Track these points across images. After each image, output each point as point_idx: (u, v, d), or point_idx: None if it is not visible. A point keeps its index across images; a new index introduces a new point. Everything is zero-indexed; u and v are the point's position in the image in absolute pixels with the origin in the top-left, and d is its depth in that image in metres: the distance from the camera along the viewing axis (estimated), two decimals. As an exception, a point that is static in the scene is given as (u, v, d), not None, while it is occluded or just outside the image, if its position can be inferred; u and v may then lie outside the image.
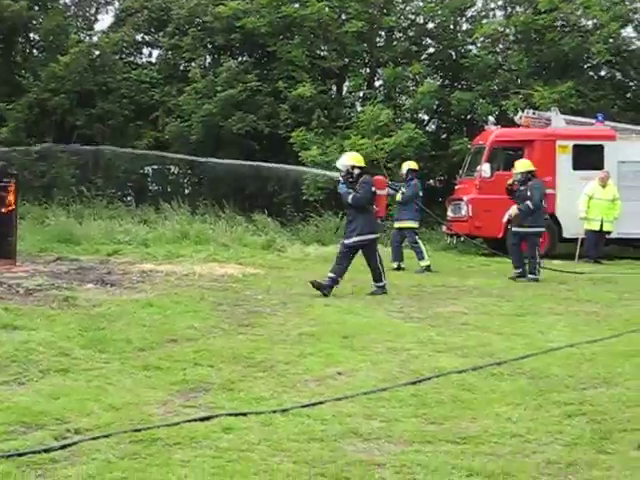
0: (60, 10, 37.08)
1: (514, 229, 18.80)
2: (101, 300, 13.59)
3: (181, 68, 35.69)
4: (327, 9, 32.22)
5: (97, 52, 35.16)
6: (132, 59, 37.46)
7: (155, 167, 34.63)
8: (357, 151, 28.06)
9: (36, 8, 36.67)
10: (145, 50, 37.85)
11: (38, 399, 7.65)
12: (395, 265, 19.79)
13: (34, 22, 36.76)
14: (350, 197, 15.48)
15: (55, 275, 17.12)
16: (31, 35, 37.94)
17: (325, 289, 15.13)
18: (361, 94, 34.24)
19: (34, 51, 38.42)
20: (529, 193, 18.13)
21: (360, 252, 15.85)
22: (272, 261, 21.08)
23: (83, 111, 34.24)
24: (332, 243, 25.44)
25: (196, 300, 13.88)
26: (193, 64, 34.57)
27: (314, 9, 31.23)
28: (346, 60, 33.44)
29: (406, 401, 7.95)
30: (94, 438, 6.62)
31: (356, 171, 15.65)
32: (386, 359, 9.79)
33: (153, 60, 37.21)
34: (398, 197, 20.25)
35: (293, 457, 6.33)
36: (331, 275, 15.42)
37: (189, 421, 7.11)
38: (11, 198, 20.01)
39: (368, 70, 34.74)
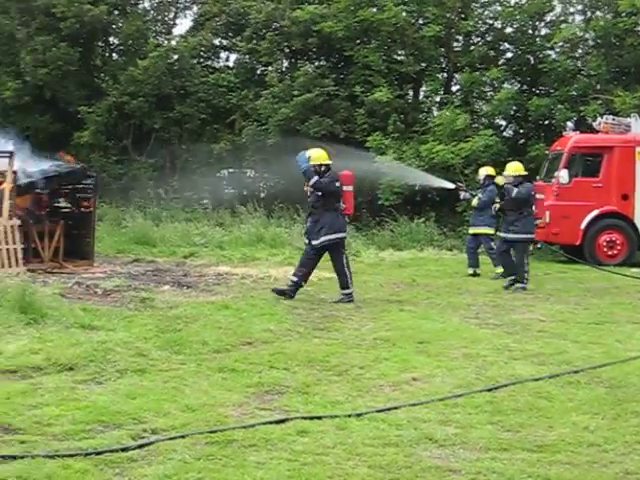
0: (139, 14, 37.44)
1: (502, 235, 18.05)
2: (177, 302, 13.75)
3: (258, 72, 35.77)
4: (404, 13, 32.07)
5: (175, 56, 35.39)
6: (210, 63, 37.62)
7: (231, 170, 34.80)
8: (432, 157, 28.11)
9: (116, 12, 37.05)
10: (223, 54, 38.02)
11: (115, 399, 7.76)
12: (471, 271, 19.62)
13: (114, 26, 37.16)
14: (314, 179, 14.90)
15: (132, 276, 17.35)
16: (111, 39, 38.39)
17: (288, 293, 14.83)
18: (438, 99, 33.99)
19: (113, 55, 38.85)
20: (513, 195, 17.49)
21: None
22: (347, 265, 21.06)
23: (161, 114, 34.53)
24: (407, 248, 25.38)
25: (272, 303, 13.96)
26: (270, 68, 34.66)
27: (391, 13, 31.09)
28: (423, 65, 33.18)
29: (482, 408, 7.91)
30: (171, 438, 6.70)
31: (323, 168, 15.09)
32: (461, 365, 9.74)
33: (230, 64, 37.33)
34: (474, 203, 20.07)
35: (368, 461, 6.33)
36: (294, 279, 15.04)
37: (264, 423, 7.16)
38: (91, 200, 20.34)
39: (445, 75, 34.48)
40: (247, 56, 35.70)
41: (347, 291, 15.00)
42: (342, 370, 9.31)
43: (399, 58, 33.30)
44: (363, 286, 16.94)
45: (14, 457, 6.11)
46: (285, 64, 35.75)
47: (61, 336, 10.36)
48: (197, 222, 27.90)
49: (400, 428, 7.19)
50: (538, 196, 17.87)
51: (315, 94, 31.24)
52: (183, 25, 39.02)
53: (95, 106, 33.96)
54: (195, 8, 38.02)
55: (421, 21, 32.89)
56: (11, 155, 18.14)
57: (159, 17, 38.79)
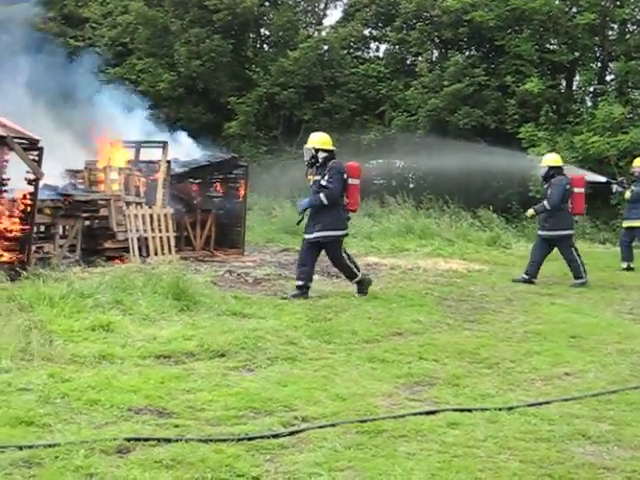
0: (290, 6, 37.89)
1: (539, 232, 16.71)
2: (327, 291, 13.83)
3: (408, 62, 35.79)
4: (557, 1, 31.58)
5: (326, 47, 35.70)
6: (360, 54, 37.82)
7: (380, 161, 34.85)
8: (587, 149, 27.53)
9: (267, 4, 37.61)
10: (372, 44, 38.20)
11: (267, 386, 7.83)
12: (625, 265, 19.13)
13: (265, 18, 37.69)
14: (323, 197, 13.34)
15: (282, 265, 17.51)
16: (262, 31, 38.91)
17: (297, 297, 13.08)
18: (591, 89, 33.31)
19: (264, 46, 39.37)
20: (549, 192, 16.36)
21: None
22: (497, 257, 20.86)
23: (311, 105, 34.86)
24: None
25: (421, 294, 13.91)
26: (420, 58, 34.65)
27: (544, 1, 30.61)
28: (576, 54, 32.60)
29: (637, 405, 7.69)
30: (321, 426, 6.71)
31: (321, 154, 13.51)
32: (615, 361, 9.51)
33: (380, 54, 37.47)
34: (627, 195, 19.59)
35: (519, 456, 6.23)
36: (299, 283, 13.40)
37: (415, 414, 7.11)
38: (241, 189, 20.64)
39: (599, 64, 33.78)
40: (397, 46, 35.78)
41: (359, 279, 13.69)
42: (492, 363, 9.19)
43: (551, 47, 32.77)
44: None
45: (169, 440, 6.22)
46: (435, 54, 35.69)
47: (213, 323, 10.53)
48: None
49: (552, 423, 7.05)
50: (576, 190, 16.69)
51: (465, 84, 31.09)
52: (333, 16, 39.32)
53: (245, 97, 34.49)
54: (345, -1, 38.23)
55: (574, 9, 32.24)
56: (164, 145, 18.53)
57: (309, 8, 39.19)
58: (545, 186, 16.77)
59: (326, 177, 13.38)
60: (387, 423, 6.83)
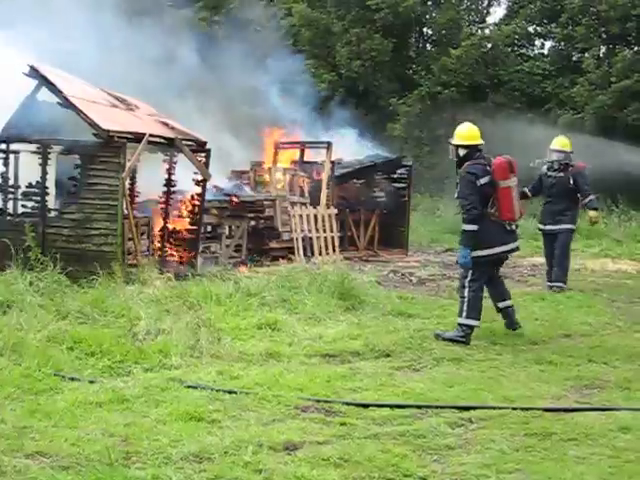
0: (453, 4, 37.60)
1: (565, 227, 14.65)
2: (491, 292, 13.64)
3: (574, 59, 35.09)
4: None
5: (489, 45, 35.36)
6: (524, 51, 37.29)
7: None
8: None
9: (429, 3, 37.47)
10: (537, 42, 37.58)
11: (433, 386, 7.82)
12: None
13: (427, 16, 37.54)
14: (464, 225, 10.26)
15: (446, 266, 17.41)
16: (424, 30, 38.75)
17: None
18: None
19: (427, 45, 39.21)
20: (572, 181, 14.46)
21: None
22: (669, 259, 20.27)
23: (473, 105, 34.53)
24: None
25: (589, 296, 13.63)
26: (586, 54, 33.89)
27: None
28: None
29: None
30: (488, 428, 6.65)
31: (461, 151, 10.72)
32: None
33: (545, 51, 36.87)
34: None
35: (693, 464, 6.03)
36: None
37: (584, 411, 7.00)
38: (404, 189, 20.66)
39: None
40: (562, 43, 35.11)
41: (463, 321, 10.01)
42: (665, 367, 8.95)
43: None
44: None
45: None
46: (602, 50, 34.82)
47: (378, 323, 10.58)
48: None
49: None
50: None
51: (634, 80, 30.22)
52: (497, 13, 38.81)
53: (407, 97, 34.43)
54: (509, -5, 37.80)
55: None
56: (329, 146, 18.68)
57: (473, 6, 38.84)
58: (560, 174, 14.79)
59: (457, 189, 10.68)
60: (556, 426, 6.71)
